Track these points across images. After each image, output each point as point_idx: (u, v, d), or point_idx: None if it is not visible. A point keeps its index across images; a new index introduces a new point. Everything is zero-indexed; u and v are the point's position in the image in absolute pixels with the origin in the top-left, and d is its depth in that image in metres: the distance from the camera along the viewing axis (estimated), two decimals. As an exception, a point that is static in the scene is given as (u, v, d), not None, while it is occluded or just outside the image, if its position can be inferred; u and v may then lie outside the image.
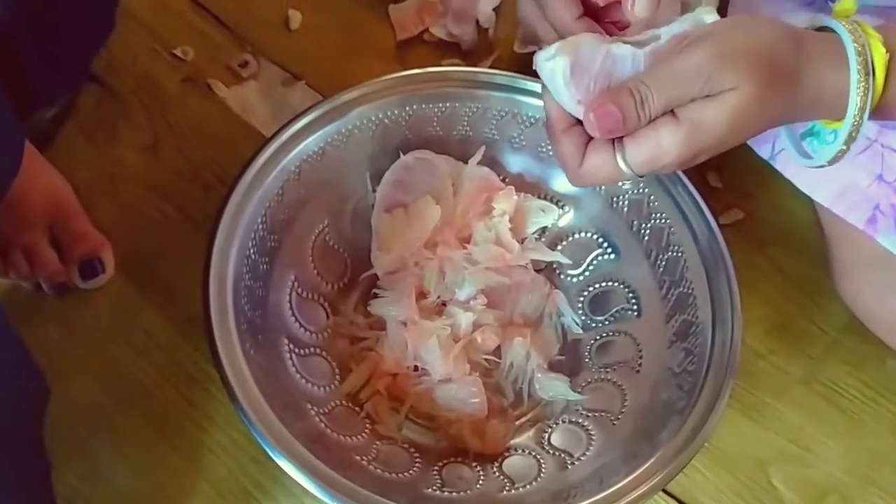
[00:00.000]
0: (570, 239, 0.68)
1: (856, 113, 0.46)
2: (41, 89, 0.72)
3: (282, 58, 0.81)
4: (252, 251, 0.60)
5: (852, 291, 0.65)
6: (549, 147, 0.67)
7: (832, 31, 0.47)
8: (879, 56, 0.45)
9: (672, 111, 0.45)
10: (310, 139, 0.63)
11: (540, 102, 0.65)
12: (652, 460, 0.53)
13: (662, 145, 0.45)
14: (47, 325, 0.67)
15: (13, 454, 0.49)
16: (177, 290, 0.69)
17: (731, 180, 0.75)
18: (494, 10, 0.83)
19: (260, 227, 0.60)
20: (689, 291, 0.61)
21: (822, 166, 0.50)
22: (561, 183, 0.68)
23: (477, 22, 0.82)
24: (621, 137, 0.47)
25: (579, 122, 0.49)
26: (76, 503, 0.61)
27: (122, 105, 0.78)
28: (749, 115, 0.44)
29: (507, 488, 0.58)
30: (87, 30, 0.75)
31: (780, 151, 0.64)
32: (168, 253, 0.71)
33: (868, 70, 0.45)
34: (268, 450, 0.52)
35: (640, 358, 0.62)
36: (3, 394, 0.47)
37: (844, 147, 0.48)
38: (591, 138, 0.48)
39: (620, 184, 0.64)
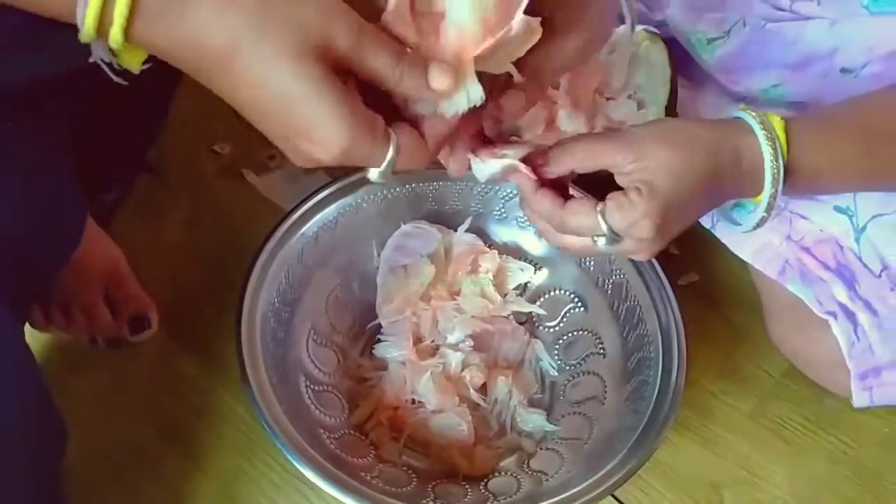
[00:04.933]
0: (547, 296, 0.80)
1: (771, 180, 0.54)
2: (105, 178, 0.86)
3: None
4: (276, 300, 0.71)
5: (780, 335, 0.76)
6: (527, 217, 0.79)
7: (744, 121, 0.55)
8: (778, 122, 0.54)
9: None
10: (326, 210, 0.75)
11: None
12: (607, 468, 0.63)
13: (635, 203, 0.51)
14: (100, 373, 0.79)
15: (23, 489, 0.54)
16: (210, 341, 0.80)
17: (687, 248, 0.87)
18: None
19: (283, 281, 0.72)
20: (644, 333, 0.71)
21: (748, 231, 0.60)
22: (537, 247, 0.80)
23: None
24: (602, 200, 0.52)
25: (545, 182, 0.55)
26: (121, 523, 0.71)
27: (169, 190, 0.91)
28: (684, 170, 0.52)
29: (489, 500, 0.67)
30: (143, 132, 0.89)
31: (718, 222, 0.76)
32: (204, 311, 0.83)
33: (773, 137, 0.53)
34: (292, 460, 0.61)
35: (606, 392, 0.73)
36: (17, 431, 0.52)
37: (766, 214, 0.57)
38: (564, 200, 0.54)
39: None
